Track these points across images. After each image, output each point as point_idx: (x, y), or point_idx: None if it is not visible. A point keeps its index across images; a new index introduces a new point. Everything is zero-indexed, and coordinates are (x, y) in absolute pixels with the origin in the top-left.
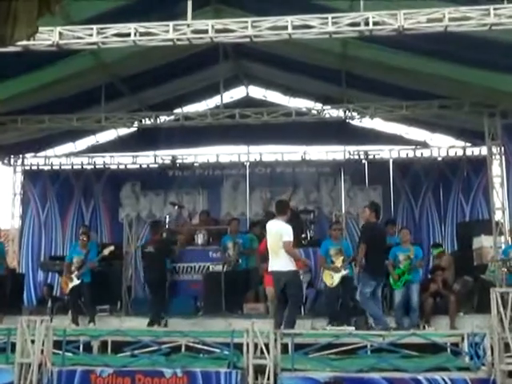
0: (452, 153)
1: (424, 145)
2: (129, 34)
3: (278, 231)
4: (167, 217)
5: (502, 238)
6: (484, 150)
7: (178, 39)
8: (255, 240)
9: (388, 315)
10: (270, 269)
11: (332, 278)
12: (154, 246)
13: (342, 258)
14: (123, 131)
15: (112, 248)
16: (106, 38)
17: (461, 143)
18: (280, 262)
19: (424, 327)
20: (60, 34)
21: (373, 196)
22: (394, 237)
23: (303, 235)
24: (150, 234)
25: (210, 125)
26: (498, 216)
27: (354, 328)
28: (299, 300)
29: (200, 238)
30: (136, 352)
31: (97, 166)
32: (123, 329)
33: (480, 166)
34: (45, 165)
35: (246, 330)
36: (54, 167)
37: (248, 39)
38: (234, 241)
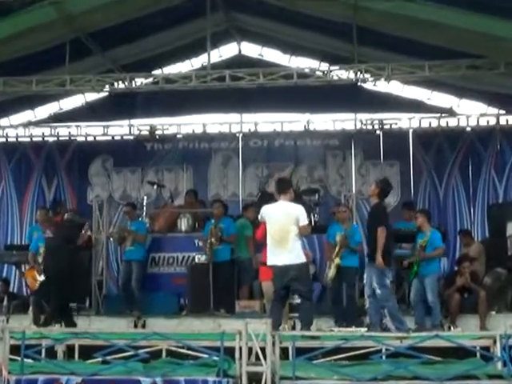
0: (483, 122)
1: (450, 112)
2: None
3: (291, 214)
4: (145, 198)
5: None
6: None
7: None
8: (248, 226)
9: (407, 314)
10: (273, 262)
11: (328, 269)
12: (54, 231)
13: (338, 246)
14: (92, 96)
15: (89, 233)
16: None
17: (494, 110)
18: (289, 253)
19: (449, 328)
20: None
21: (389, 173)
22: (411, 222)
23: None
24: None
25: (196, 89)
26: None
27: (366, 329)
28: (311, 296)
29: (183, 223)
30: (108, 358)
31: (60, 138)
32: (93, 331)
33: None
34: None
35: (238, 332)
36: (9, 139)
37: None
38: (215, 225)
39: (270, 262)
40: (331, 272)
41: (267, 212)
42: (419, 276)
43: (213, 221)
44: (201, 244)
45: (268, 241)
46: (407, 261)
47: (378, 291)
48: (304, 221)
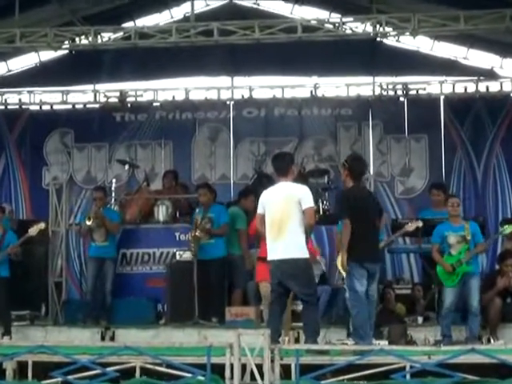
0: None
1: (491, 74)
2: None
3: (292, 196)
4: (113, 181)
5: None
6: None
7: None
8: (242, 217)
9: (436, 324)
10: (270, 256)
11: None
12: None
13: None
14: (48, 55)
15: (42, 226)
16: None
17: None
18: (287, 244)
19: (489, 340)
20: None
21: (415, 149)
22: (443, 211)
23: None
24: None
25: (177, 46)
26: None
27: (386, 342)
28: (316, 300)
29: (161, 212)
30: (70, 377)
31: (9, 107)
32: (50, 344)
33: None
34: None
35: (228, 346)
36: None
37: None
38: (203, 215)
39: (268, 257)
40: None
41: (266, 199)
42: (465, 276)
43: (197, 210)
44: (183, 238)
45: (267, 232)
46: (450, 267)
47: (346, 295)
48: (308, 203)
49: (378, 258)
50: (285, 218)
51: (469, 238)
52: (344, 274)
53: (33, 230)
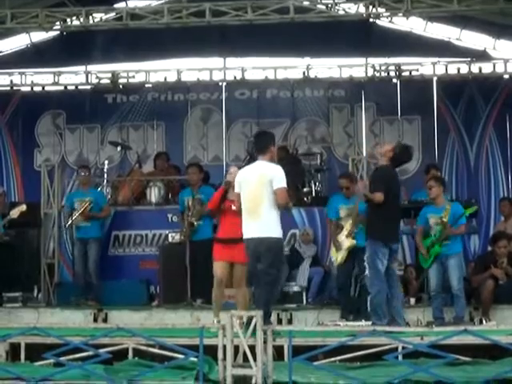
0: None
1: (484, 56)
2: None
3: (264, 176)
4: (106, 162)
5: None
6: None
7: None
8: None
9: (427, 306)
10: (244, 235)
11: (337, 253)
12: None
13: (350, 222)
14: (39, 36)
15: (23, 207)
16: None
17: None
18: (260, 224)
19: (481, 321)
20: None
21: (408, 131)
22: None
23: (305, 189)
24: None
25: (168, 27)
26: None
27: None
28: (274, 283)
29: (154, 194)
30: (62, 359)
31: (0, 88)
32: (43, 326)
33: None
34: None
35: (221, 327)
36: None
37: None
38: (193, 196)
39: (244, 236)
40: (341, 255)
41: (241, 179)
42: (440, 257)
43: (185, 190)
44: (175, 219)
45: (242, 211)
46: (425, 249)
47: (366, 272)
48: (279, 183)
49: (399, 238)
50: (258, 198)
51: (445, 219)
52: (339, 261)
53: (14, 213)
